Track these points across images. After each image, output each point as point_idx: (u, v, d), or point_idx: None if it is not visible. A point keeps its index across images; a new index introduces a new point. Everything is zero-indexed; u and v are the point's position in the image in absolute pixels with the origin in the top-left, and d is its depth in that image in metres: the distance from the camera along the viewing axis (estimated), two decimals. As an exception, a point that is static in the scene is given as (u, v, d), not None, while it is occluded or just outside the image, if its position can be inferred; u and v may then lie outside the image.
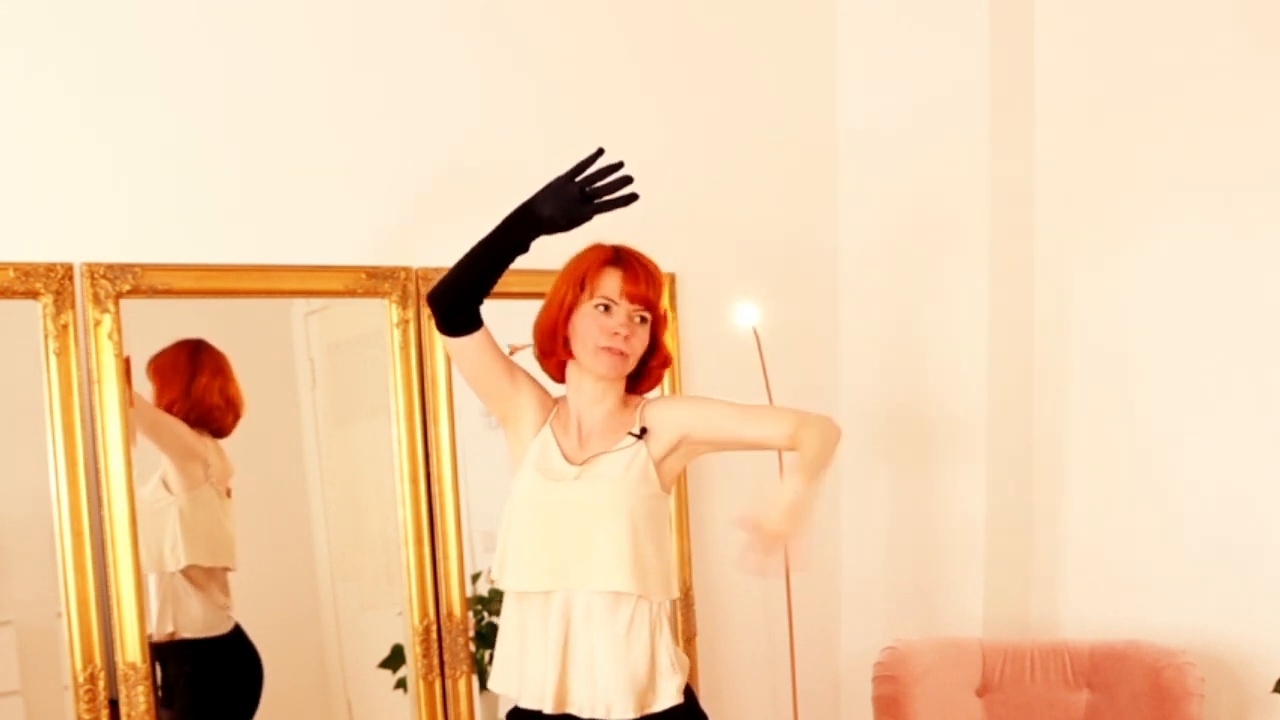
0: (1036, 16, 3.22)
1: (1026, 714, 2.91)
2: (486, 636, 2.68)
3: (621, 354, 2.11)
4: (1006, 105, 3.17)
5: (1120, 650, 2.87)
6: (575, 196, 2.04)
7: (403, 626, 2.61)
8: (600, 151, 2.06)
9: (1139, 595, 3.10)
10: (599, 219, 2.09)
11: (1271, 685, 2.71)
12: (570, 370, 2.18)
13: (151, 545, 2.31)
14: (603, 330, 2.10)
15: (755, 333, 2.99)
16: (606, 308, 2.11)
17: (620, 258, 2.14)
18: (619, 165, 2.06)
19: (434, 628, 2.61)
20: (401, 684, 2.64)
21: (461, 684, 2.63)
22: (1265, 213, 2.88)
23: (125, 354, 2.27)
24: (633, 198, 2.07)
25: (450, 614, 2.62)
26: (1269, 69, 2.87)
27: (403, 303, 2.57)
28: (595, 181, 2.05)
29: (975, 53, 3.13)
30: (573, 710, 2.08)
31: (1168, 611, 3.04)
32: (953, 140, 3.18)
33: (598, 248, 2.15)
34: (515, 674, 2.13)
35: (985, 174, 3.14)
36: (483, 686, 2.70)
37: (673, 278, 2.97)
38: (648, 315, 2.14)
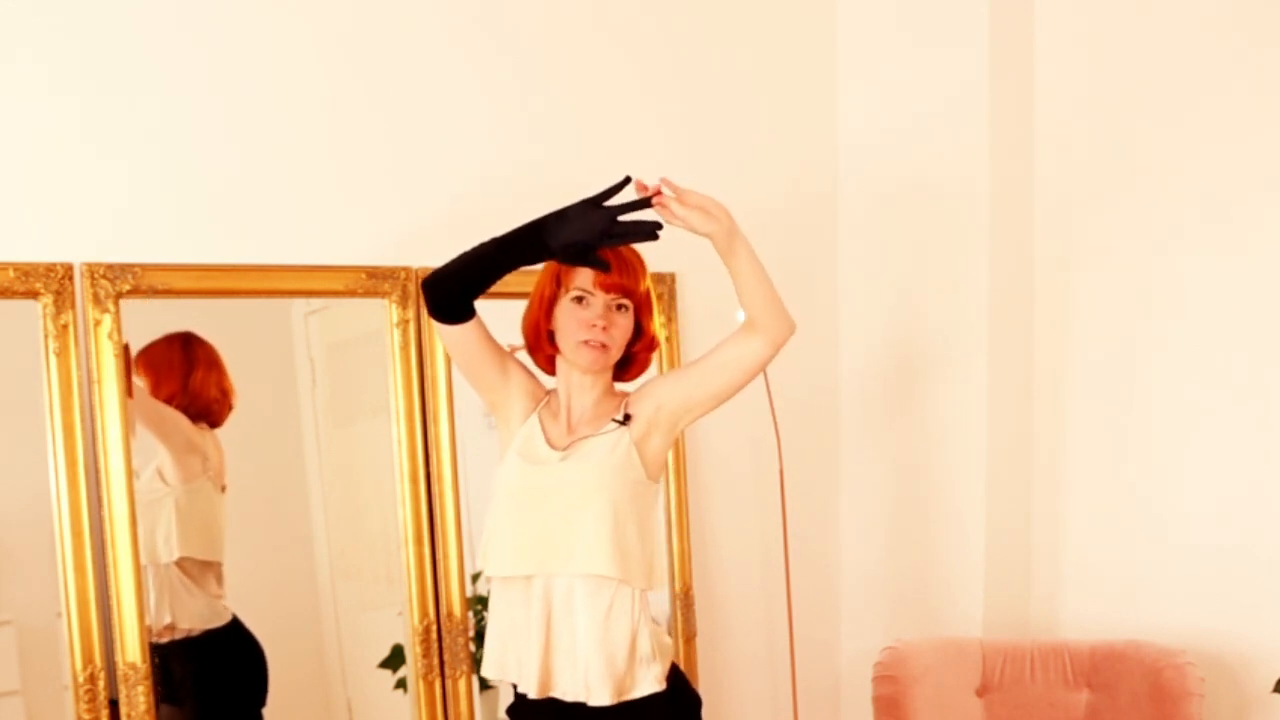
0: (1037, 24, 3.21)
1: (1026, 714, 2.91)
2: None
3: (602, 346, 2.10)
4: (1006, 114, 3.17)
5: (1120, 650, 2.87)
6: (599, 228, 1.95)
7: (403, 626, 2.61)
8: (627, 180, 2.00)
9: (1139, 595, 3.10)
10: None
11: (1271, 685, 2.71)
12: (559, 362, 2.19)
13: (145, 536, 2.30)
14: (580, 324, 2.10)
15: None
16: (581, 299, 2.11)
17: None
18: (647, 201, 1.99)
19: (434, 628, 2.61)
20: (401, 684, 2.64)
21: (461, 684, 2.63)
22: (1266, 214, 2.88)
23: (124, 342, 2.27)
24: (656, 226, 1.96)
25: (450, 614, 2.62)
26: (1270, 69, 2.87)
27: (403, 303, 2.57)
28: (623, 213, 1.96)
29: (976, 62, 3.12)
30: (556, 694, 2.09)
31: (1168, 611, 3.04)
32: (953, 147, 3.18)
33: None
34: (504, 660, 2.14)
35: (986, 180, 3.14)
36: (483, 686, 2.70)
37: (673, 277, 2.97)
38: (627, 303, 2.13)
